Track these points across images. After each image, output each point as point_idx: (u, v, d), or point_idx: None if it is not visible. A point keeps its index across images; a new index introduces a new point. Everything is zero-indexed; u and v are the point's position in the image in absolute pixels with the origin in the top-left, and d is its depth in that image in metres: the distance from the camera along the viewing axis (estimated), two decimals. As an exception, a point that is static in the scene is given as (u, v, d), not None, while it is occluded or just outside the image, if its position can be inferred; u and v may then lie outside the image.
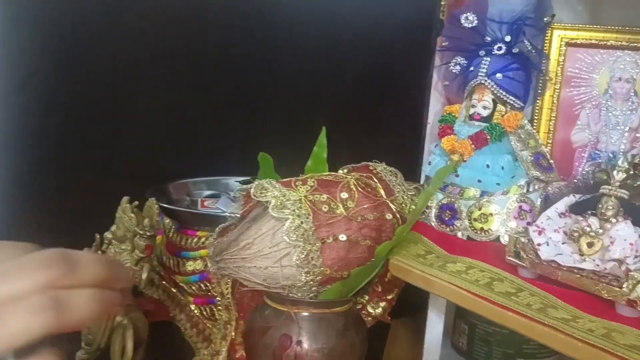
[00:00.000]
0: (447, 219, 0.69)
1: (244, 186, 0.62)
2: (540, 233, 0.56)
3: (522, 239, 0.56)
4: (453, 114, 0.73)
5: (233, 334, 0.73)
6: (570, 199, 0.60)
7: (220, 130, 1.03)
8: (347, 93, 1.11)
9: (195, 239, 0.79)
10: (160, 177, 0.94)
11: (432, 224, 0.69)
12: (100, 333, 0.67)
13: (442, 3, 0.82)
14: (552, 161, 0.70)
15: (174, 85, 0.99)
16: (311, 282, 0.60)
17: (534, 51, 0.71)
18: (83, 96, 0.91)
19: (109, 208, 0.81)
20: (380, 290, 0.81)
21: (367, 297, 0.81)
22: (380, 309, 0.83)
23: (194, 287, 0.79)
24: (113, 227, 0.71)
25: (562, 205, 0.60)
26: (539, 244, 0.55)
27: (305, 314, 0.62)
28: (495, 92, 0.69)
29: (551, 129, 0.80)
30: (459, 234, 0.67)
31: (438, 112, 1.05)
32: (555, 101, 0.79)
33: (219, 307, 0.75)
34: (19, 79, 0.84)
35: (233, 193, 0.96)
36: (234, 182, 1.00)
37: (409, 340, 0.82)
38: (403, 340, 0.82)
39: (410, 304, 0.86)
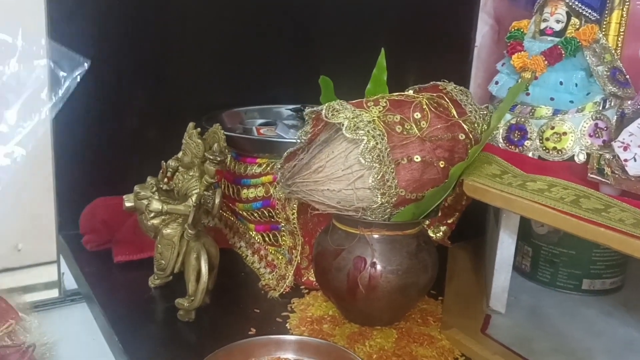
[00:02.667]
0: (516, 139, 0.67)
1: (314, 109, 0.61)
2: (625, 149, 0.54)
3: (607, 155, 0.55)
4: (522, 30, 0.69)
5: (299, 258, 0.74)
6: (654, 113, 0.57)
7: (269, 57, 1.01)
8: (394, 16, 1.07)
9: (256, 167, 0.79)
10: (212, 107, 0.93)
11: (500, 145, 0.68)
12: (172, 258, 0.68)
13: None
14: (628, 76, 0.67)
15: (223, 11, 0.96)
16: (386, 204, 0.59)
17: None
18: (135, 26, 0.89)
19: (164, 138, 0.81)
20: (440, 214, 0.81)
21: (427, 222, 0.81)
22: (440, 232, 0.83)
23: (255, 214, 0.79)
24: (179, 154, 0.71)
25: (645, 120, 0.57)
26: (625, 160, 0.53)
27: (377, 236, 0.61)
28: (569, 3, 0.66)
29: (619, 45, 0.76)
30: (530, 154, 0.66)
31: (486, 34, 1.02)
32: (624, 15, 0.75)
33: (283, 233, 0.76)
34: (68, 6, 0.82)
35: (290, 120, 0.95)
36: (285, 109, 0.99)
37: (469, 264, 0.82)
38: (464, 264, 0.82)
39: (469, 228, 0.85)
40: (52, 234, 0.87)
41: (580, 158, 0.63)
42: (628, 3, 0.74)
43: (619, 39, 0.76)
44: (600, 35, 0.68)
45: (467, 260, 0.83)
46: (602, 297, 0.73)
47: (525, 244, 0.77)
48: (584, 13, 0.66)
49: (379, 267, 0.61)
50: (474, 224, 0.86)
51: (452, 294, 0.74)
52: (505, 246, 0.65)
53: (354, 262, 0.61)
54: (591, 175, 0.55)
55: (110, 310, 0.68)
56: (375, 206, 0.59)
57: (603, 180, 0.54)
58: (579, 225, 0.49)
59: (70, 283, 0.86)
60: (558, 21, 0.67)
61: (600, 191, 0.55)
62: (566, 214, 0.51)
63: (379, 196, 0.58)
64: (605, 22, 0.75)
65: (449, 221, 0.82)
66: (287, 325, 0.67)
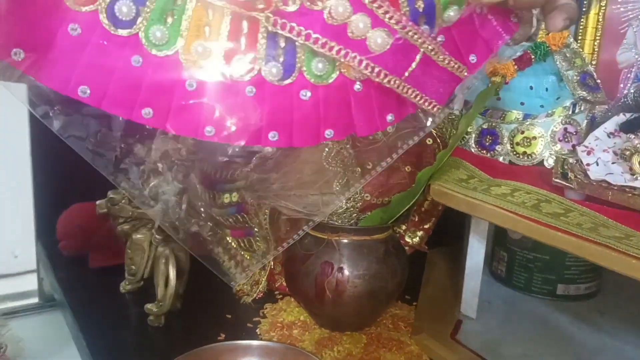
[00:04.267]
0: (487, 144, 0.67)
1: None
2: (589, 153, 0.54)
3: (571, 160, 0.54)
4: (493, 35, 0.69)
5: (272, 263, 0.74)
6: (621, 117, 0.58)
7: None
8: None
9: (230, 172, 0.79)
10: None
11: (472, 149, 0.68)
12: (142, 263, 0.68)
13: None
14: (599, 81, 0.67)
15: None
16: (352, 209, 0.59)
17: (581, -36, 0.67)
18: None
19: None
20: (417, 219, 0.81)
21: (404, 227, 0.81)
22: (417, 238, 0.83)
23: (230, 220, 0.79)
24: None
25: (611, 124, 0.57)
26: (588, 164, 0.53)
27: (346, 241, 0.61)
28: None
29: (596, 49, 0.76)
30: (500, 159, 0.66)
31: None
32: (600, 19, 0.75)
33: (257, 238, 0.76)
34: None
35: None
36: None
37: (446, 269, 0.82)
38: (440, 269, 0.82)
39: (446, 233, 0.85)
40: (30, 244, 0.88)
41: (550, 162, 0.63)
42: (604, 7, 0.75)
43: (596, 43, 0.76)
44: (571, 39, 0.68)
45: (443, 266, 0.83)
46: (577, 302, 0.72)
47: (500, 249, 0.77)
48: (554, 18, 0.66)
49: (346, 272, 0.61)
50: (452, 229, 0.85)
51: (426, 299, 0.73)
52: (475, 251, 0.65)
53: (322, 267, 0.61)
54: (555, 180, 0.55)
55: (81, 315, 0.68)
56: (340, 211, 0.59)
57: (567, 184, 0.54)
58: (538, 229, 0.49)
59: (48, 289, 0.86)
60: (528, 26, 0.66)
61: (565, 196, 0.54)
62: (526, 218, 0.50)
63: (344, 201, 0.58)
64: (581, 27, 0.75)
65: (426, 226, 0.82)
66: (257, 330, 0.66)
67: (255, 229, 0.75)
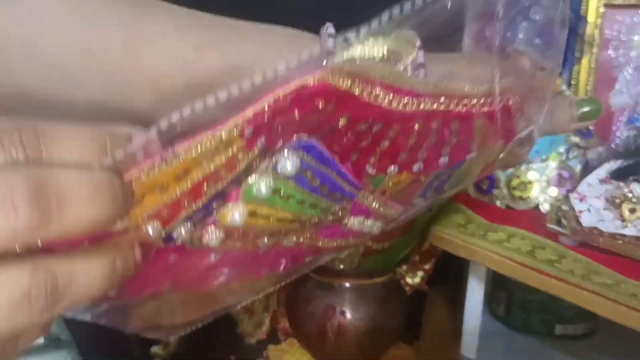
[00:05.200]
0: (485, 188, 0.69)
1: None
2: (581, 200, 0.56)
3: (564, 207, 0.56)
4: (489, 82, 0.72)
5: (275, 304, 0.75)
6: (611, 165, 0.60)
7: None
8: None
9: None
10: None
11: (471, 193, 0.70)
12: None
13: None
14: (591, 127, 0.69)
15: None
16: (354, 254, 0.61)
17: (572, 15, 0.70)
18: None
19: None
20: (417, 259, 0.82)
21: (405, 267, 0.82)
22: (417, 278, 0.84)
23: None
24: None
25: (602, 171, 0.60)
26: (580, 211, 0.55)
27: (348, 284, 0.63)
28: (532, 58, 0.68)
29: (589, 94, 0.78)
30: (498, 203, 0.67)
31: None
32: (593, 65, 0.78)
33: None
34: None
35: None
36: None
37: (447, 309, 0.83)
38: (441, 309, 0.83)
39: (447, 273, 0.87)
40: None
41: (545, 207, 0.65)
42: (596, 53, 0.78)
43: (589, 88, 0.78)
44: (564, 87, 0.70)
45: (444, 305, 0.84)
46: (576, 341, 0.73)
47: (499, 290, 0.78)
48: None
49: (347, 315, 0.62)
50: (452, 268, 0.87)
51: (427, 339, 0.74)
52: (474, 293, 0.67)
53: (324, 310, 0.63)
54: (549, 226, 0.57)
55: (88, 356, 0.69)
56: (342, 256, 0.61)
57: (560, 230, 0.56)
58: (533, 275, 0.51)
59: (54, 330, 0.88)
60: (522, 74, 0.69)
61: (559, 241, 0.56)
62: (521, 264, 0.52)
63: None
64: (574, 72, 0.78)
65: (426, 267, 0.83)
66: (261, 371, 0.68)
67: (259, 270, 0.77)
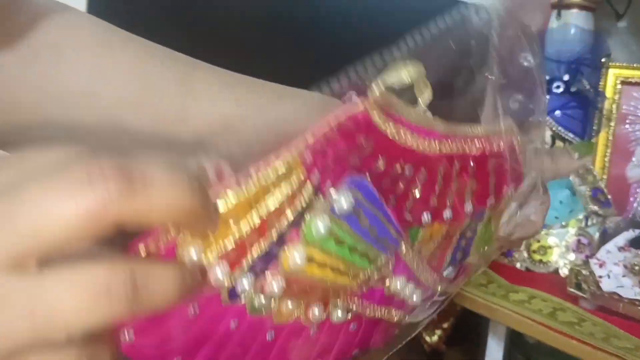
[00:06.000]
0: (505, 250, 0.72)
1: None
2: (601, 266, 0.59)
3: (584, 271, 0.59)
4: (511, 149, 0.76)
5: None
6: (630, 233, 0.62)
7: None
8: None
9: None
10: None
11: (491, 254, 0.72)
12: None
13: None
14: (609, 197, 0.72)
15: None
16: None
17: (591, 90, 0.74)
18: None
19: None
20: (436, 318, 0.84)
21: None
22: (435, 336, 0.85)
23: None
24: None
25: (621, 239, 0.62)
26: (600, 277, 0.57)
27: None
28: (554, 129, 0.72)
29: (606, 165, 0.81)
30: (517, 265, 0.70)
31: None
32: (610, 138, 0.81)
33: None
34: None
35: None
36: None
37: (464, 369, 0.84)
38: (458, 369, 0.84)
39: (465, 333, 0.88)
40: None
41: (564, 271, 0.67)
42: (613, 127, 0.81)
43: (606, 159, 0.82)
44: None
45: (461, 366, 0.85)
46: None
47: (517, 353, 0.79)
48: (567, 138, 0.72)
49: (369, 367, 0.63)
50: (470, 328, 0.88)
51: (444, 398, 0.75)
52: (493, 353, 0.68)
53: (346, 362, 0.64)
54: (570, 289, 0.59)
55: None
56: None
57: (580, 294, 0.58)
58: (554, 337, 0.52)
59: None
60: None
61: (579, 305, 0.58)
62: (543, 325, 0.54)
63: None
64: (593, 144, 0.81)
65: (444, 325, 0.85)
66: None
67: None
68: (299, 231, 0.29)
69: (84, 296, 0.19)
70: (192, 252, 0.26)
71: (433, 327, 0.85)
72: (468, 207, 0.35)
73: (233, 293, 0.30)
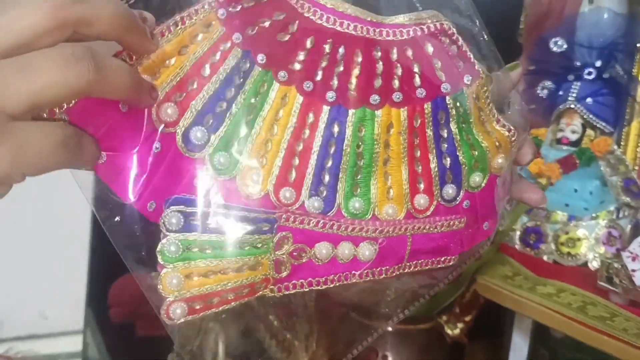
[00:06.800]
0: (532, 242, 0.69)
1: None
2: (634, 259, 0.56)
3: (616, 264, 0.56)
4: (539, 137, 0.73)
5: (314, 346, 0.75)
6: (665, 226, 0.59)
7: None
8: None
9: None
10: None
11: (516, 246, 0.70)
12: (192, 335, 0.71)
13: (520, 27, 0.82)
14: (643, 188, 0.69)
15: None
16: (399, 298, 0.61)
17: (625, 76, 0.71)
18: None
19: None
20: (458, 311, 0.82)
21: (445, 318, 0.82)
22: (457, 329, 0.83)
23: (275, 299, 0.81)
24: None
25: (656, 231, 0.59)
26: (633, 270, 0.55)
27: (391, 328, 0.63)
28: (584, 116, 0.69)
29: (638, 156, 0.78)
30: (545, 257, 0.67)
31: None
32: (642, 127, 0.78)
33: (301, 319, 0.78)
34: None
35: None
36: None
37: (486, 363, 0.82)
38: (480, 363, 0.82)
39: (487, 326, 0.85)
40: (79, 303, 0.90)
41: (594, 265, 0.65)
42: (647, 116, 0.78)
43: (638, 149, 0.78)
44: (615, 147, 0.71)
45: (484, 359, 0.83)
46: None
47: (542, 347, 0.77)
48: (599, 126, 0.69)
49: (389, 359, 0.62)
50: (494, 322, 0.86)
51: (465, 393, 0.73)
52: (518, 348, 0.66)
53: (365, 353, 0.62)
54: (600, 283, 0.57)
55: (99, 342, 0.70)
56: (389, 299, 0.61)
57: (611, 288, 0.56)
58: (584, 332, 0.50)
59: (93, 354, 0.89)
60: (574, 132, 0.70)
61: (610, 299, 0.56)
62: (572, 319, 0.52)
63: (393, 289, 0.60)
64: (624, 134, 0.78)
65: (466, 318, 0.83)
66: (298, 411, 0.67)
67: (300, 309, 0.77)
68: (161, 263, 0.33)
69: (57, 59, 0.26)
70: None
71: (455, 320, 0.83)
72: (420, 91, 0.36)
73: (188, 141, 0.33)
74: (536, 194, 0.43)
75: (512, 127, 0.39)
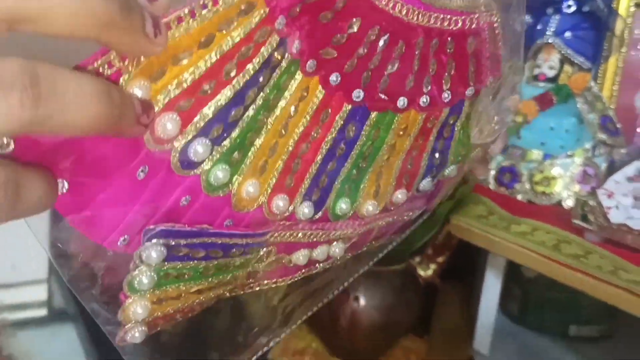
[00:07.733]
0: (506, 181, 0.68)
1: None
2: (609, 196, 0.55)
3: (591, 202, 0.55)
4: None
5: (286, 288, 0.74)
6: (641, 163, 0.58)
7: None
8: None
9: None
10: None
11: (491, 186, 0.68)
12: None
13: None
14: (619, 125, 0.68)
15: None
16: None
17: (605, 9, 0.68)
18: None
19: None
20: (431, 252, 0.81)
21: (417, 259, 0.81)
22: (430, 270, 0.83)
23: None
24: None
25: (631, 169, 0.58)
26: (608, 207, 0.54)
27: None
28: (563, 52, 0.67)
29: (614, 94, 0.77)
30: (519, 197, 0.66)
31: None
32: (620, 64, 0.76)
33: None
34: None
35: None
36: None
37: (459, 303, 0.82)
38: (452, 304, 0.82)
39: (460, 267, 0.85)
40: (44, 252, 0.87)
41: (568, 203, 0.64)
42: (624, 52, 0.76)
43: (614, 87, 0.77)
44: (592, 83, 0.69)
45: (456, 300, 0.83)
46: (591, 345, 0.72)
47: (514, 286, 0.77)
48: (577, 62, 0.67)
49: (361, 301, 0.61)
50: (466, 263, 0.86)
51: (438, 333, 0.73)
52: (491, 288, 0.65)
53: (337, 295, 0.61)
54: (575, 221, 0.56)
55: (94, 329, 0.68)
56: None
57: (586, 226, 0.55)
58: (558, 269, 0.50)
59: (59, 302, 0.87)
60: (551, 68, 0.68)
61: (584, 237, 0.55)
62: (546, 257, 0.51)
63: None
64: (601, 71, 0.76)
65: (439, 260, 0.82)
66: (269, 355, 0.67)
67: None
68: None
69: None
70: (136, 91, 0.23)
71: (428, 261, 0.82)
72: (446, 95, 0.33)
73: (185, 158, 0.26)
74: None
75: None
